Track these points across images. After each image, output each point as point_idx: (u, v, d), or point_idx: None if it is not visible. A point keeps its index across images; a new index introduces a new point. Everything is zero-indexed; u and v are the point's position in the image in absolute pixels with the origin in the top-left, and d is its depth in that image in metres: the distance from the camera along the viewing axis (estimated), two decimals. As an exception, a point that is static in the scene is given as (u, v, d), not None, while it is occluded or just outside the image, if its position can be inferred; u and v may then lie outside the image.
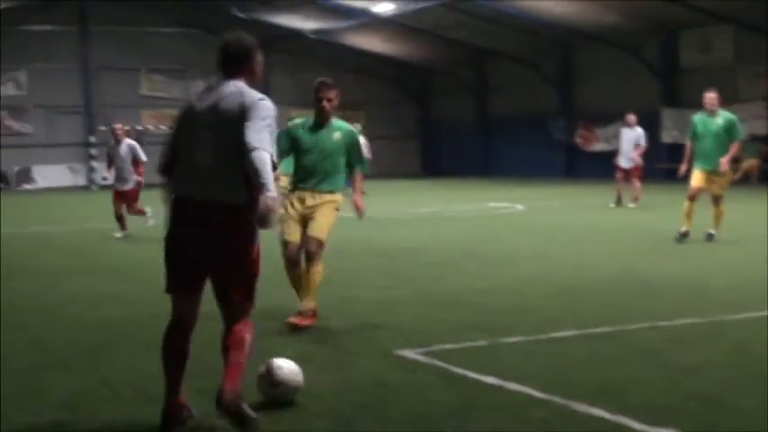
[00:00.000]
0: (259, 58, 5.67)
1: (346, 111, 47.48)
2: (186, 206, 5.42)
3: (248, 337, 5.47)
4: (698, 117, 14.98)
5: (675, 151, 35.69)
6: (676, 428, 5.17)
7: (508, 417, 5.51)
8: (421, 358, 7.01)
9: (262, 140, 5.20)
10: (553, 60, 41.63)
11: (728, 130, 14.76)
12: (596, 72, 39.61)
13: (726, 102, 33.29)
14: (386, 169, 45.98)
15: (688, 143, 15.09)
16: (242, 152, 5.20)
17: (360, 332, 8.08)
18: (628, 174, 23.32)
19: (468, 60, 45.25)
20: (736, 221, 16.80)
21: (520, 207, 23.55)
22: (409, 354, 7.15)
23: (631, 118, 23.73)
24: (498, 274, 11.60)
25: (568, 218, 20.14)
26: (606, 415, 5.47)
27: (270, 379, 5.83)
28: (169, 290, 5.55)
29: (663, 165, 35.11)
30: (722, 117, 14.82)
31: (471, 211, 22.97)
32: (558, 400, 5.79)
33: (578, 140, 39.21)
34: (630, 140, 23.50)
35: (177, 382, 5.47)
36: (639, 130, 23.57)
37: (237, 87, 5.46)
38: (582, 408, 5.61)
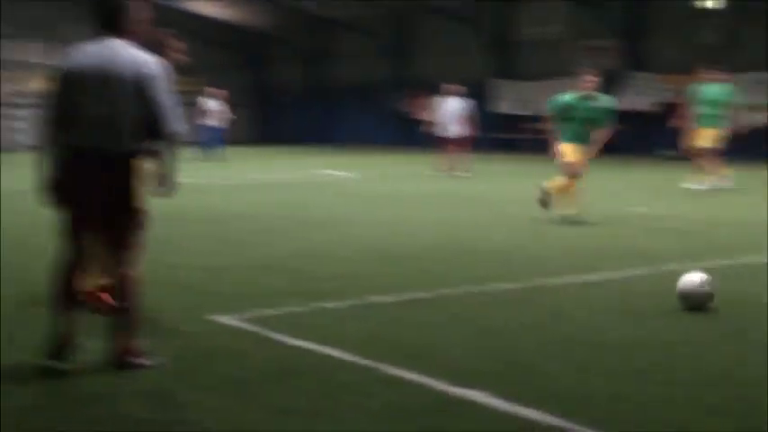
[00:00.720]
0: (136, 12, 5.84)
1: (183, 76, 46.88)
2: (79, 154, 5.72)
3: (132, 293, 5.95)
4: (571, 98, 13.70)
5: (508, 122, 36.53)
6: (483, 390, 5.29)
7: (317, 380, 5.54)
8: (238, 324, 6.99)
9: (177, 121, 5.77)
10: (389, 29, 41.87)
11: (603, 116, 13.70)
12: (432, 42, 40.06)
13: (556, 75, 34.33)
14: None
15: (550, 122, 13.88)
16: (153, 126, 5.72)
17: (179, 299, 7.97)
18: (452, 143, 23.62)
19: (306, 28, 45.10)
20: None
21: (353, 175, 23.68)
22: (227, 320, 7.12)
23: (453, 88, 23.98)
24: (325, 240, 11.64)
25: (400, 186, 20.34)
26: (414, 377, 5.56)
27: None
28: (63, 233, 5.86)
29: (495, 135, 35.84)
30: (602, 101, 13.83)
31: (304, 178, 22.98)
32: (368, 363, 5.85)
33: (412, 109, 39.60)
34: (453, 110, 23.79)
35: (68, 316, 5.81)
36: (463, 100, 23.88)
37: (129, 52, 5.71)
38: (391, 370, 5.69)
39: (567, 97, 13.84)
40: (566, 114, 13.70)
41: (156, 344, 6.30)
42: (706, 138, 18.62)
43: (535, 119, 35.89)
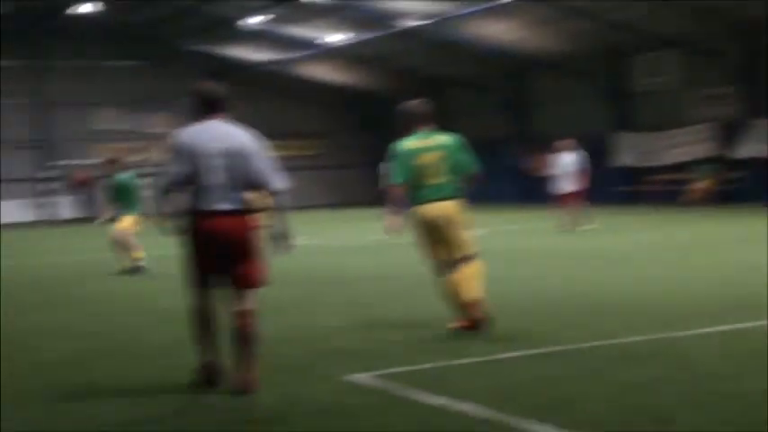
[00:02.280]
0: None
1: (302, 140, 47.68)
2: (206, 216, 6.81)
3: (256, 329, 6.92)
4: None
5: (629, 174, 36.19)
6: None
7: (453, 437, 5.54)
8: (372, 382, 7.03)
9: (278, 179, 6.94)
10: (506, 86, 41.95)
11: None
12: (549, 97, 39.95)
13: (673, 125, 34.11)
14: (342, 198, 46.12)
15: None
16: (258, 183, 6.89)
17: (312, 359, 8.05)
18: (568, 198, 23.25)
19: (423, 88, 45.38)
20: (686, 241, 16.96)
21: (479, 232, 23.58)
22: (361, 378, 7.17)
23: (568, 142, 23.58)
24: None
25: (523, 242, 20.24)
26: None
27: None
28: (193, 286, 6.98)
29: (616, 188, 35.52)
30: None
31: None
32: (503, 418, 5.81)
33: (532, 166, 39.50)
34: (570, 165, 23.41)
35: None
36: (578, 154, 23.49)
37: (234, 126, 6.99)
38: (526, 425, 5.63)
39: None
40: None
41: (289, 401, 6.41)
42: None
43: (657, 170, 35.56)
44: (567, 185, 23.29)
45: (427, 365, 7.55)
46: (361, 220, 32.56)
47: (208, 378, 6.91)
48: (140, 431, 6.10)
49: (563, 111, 38.79)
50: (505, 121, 42.08)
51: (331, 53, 41.12)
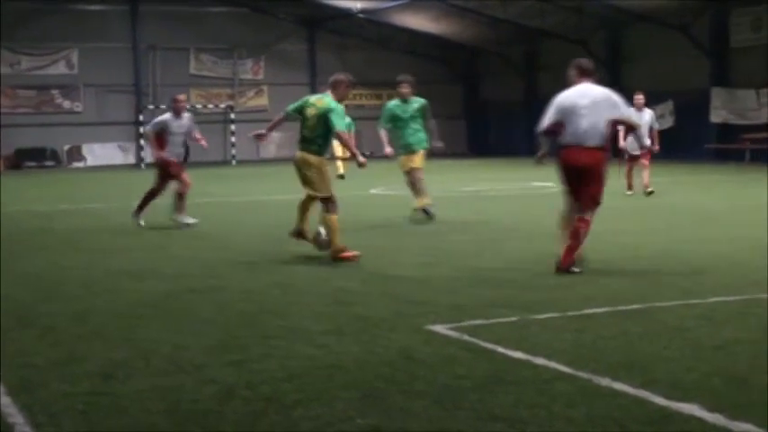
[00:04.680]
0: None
1: (392, 90, 47.59)
2: (573, 149, 9.88)
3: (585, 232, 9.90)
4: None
5: (725, 131, 35.47)
6: (698, 404, 5.19)
7: (532, 391, 5.56)
8: (451, 333, 7.09)
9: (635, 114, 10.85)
10: (601, 39, 41.35)
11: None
12: (644, 51, 39.27)
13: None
14: (432, 149, 45.86)
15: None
16: (624, 121, 10.56)
17: (393, 308, 8.15)
18: (636, 159, 21.22)
19: (516, 40, 45.04)
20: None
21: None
22: (440, 329, 7.24)
23: (639, 98, 21.06)
24: (537, 252, 11.61)
25: (610, 199, 19.94)
26: (629, 389, 5.51)
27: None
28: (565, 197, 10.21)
29: (712, 145, 34.91)
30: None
31: (516, 189, 22.96)
32: (583, 374, 5.84)
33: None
34: (644, 124, 20.33)
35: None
36: (650, 113, 21.39)
37: (598, 87, 10.11)
38: (606, 382, 5.66)
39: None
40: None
41: (367, 349, 6.51)
42: None
43: (754, 128, 34.79)
44: (636, 147, 21.48)
45: (507, 319, 7.58)
46: (450, 171, 32.53)
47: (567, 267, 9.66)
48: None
49: (659, 65, 38.10)
50: (601, 75, 41.52)
51: (425, 2, 40.89)
